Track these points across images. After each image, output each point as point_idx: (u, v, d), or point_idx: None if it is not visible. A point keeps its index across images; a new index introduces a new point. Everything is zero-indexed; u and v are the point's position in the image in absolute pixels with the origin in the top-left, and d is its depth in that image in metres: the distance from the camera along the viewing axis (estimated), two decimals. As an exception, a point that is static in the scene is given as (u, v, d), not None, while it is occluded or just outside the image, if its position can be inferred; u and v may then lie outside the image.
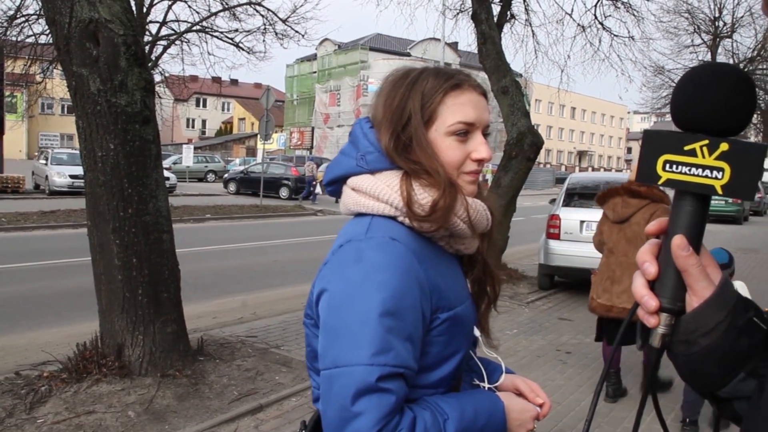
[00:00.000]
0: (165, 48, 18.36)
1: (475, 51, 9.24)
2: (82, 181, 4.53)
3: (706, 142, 0.68)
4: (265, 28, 17.72)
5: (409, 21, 42.63)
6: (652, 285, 0.73)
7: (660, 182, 0.71)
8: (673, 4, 25.11)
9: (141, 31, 14.06)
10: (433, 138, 1.13)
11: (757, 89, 0.75)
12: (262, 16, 17.51)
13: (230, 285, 8.13)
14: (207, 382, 4.25)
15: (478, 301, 1.24)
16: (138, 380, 4.04)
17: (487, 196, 1.24)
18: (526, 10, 11.63)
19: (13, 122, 29.99)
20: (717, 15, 26.09)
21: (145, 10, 16.27)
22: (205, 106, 60.00)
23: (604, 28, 12.47)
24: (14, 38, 15.27)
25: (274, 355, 4.97)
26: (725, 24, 26.20)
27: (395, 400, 0.98)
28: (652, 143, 0.71)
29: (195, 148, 36.19)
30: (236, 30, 18.00)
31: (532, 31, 12.31)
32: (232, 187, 25.87)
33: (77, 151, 10.86)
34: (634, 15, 12.58)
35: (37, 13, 14.08)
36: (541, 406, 1.23)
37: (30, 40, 15.40)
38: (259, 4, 17.36)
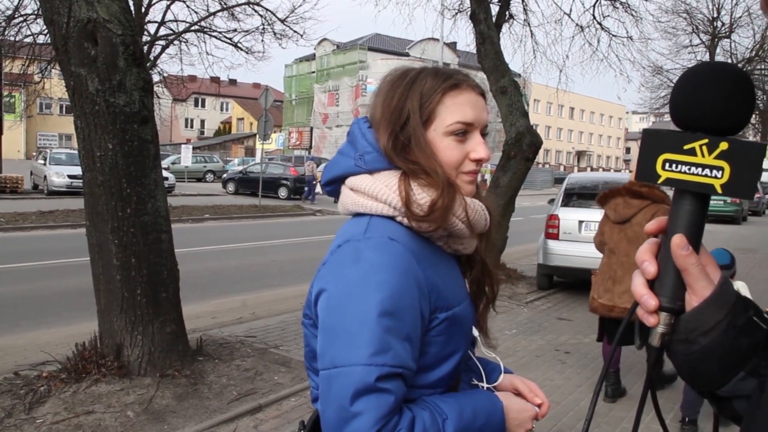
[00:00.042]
0: (163, 48, 18.38)
1: (474, 51, 9.24)
2: (81, 181, 4.52)
3: (706, 141, 0.68)
4: (263, 28, 17.75)
5: (407, 21, 42.84)
6: (652, 284, 0.73)
7: (659, 181, 0.71)
8: (672, 4, 25.19)
9: (139, 30, 14.04)
10: (431, 138, 1.12)
11: (755, 89, 0.75)
12: (261, 16, 17.54)
13: (229, 285, 8.13)
14: (206, 382, 4.25)
15: (476, 301, 1.24)
16: (137, 380, 4.04)
17: (486, 196, 1.24)
18: (524, 10, 11.65)
19: (12, 122, 29.98)
20: (715, 15, 26.14)
21: (143, 9, 16.27)
22: (203, 106, 59.95)
23: (602, 28, 12.49)
24: (12, 38, 15.29)
25: (273, 355, 4.97)
26: (723, 24, 26.25)
27: (394, 400, 0.98)
28: (652, 142, 0.71)
29: (193, 148, 36.17)
30: (235, 30, 18.05)
31: (531, 31, 12.34)
32: (230, 187, 25.87)
33: (76, 151, 10.85)
34: (632, 15, 12.60)
35: (35, 12, 14.07)
36: (539, 406, 1.22)
37: (28, 39, 15.42)
38: (258, 4, 17.38)
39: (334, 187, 1.21)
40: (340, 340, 1.01)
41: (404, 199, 1.08)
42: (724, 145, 0.67)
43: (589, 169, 64.99)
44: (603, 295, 4.20)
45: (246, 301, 7.22)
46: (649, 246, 0.74)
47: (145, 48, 16.27)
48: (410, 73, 1.16)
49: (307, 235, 13.43)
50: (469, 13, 9.02)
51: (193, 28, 17.85)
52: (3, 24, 14.46)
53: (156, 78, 18.86)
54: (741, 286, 3.85)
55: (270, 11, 17.52)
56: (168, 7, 17.61)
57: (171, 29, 18.28)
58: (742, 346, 0.68)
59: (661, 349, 0.73)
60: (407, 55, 42.27)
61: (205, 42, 18.88)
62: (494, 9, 9.41)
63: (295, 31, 17.92)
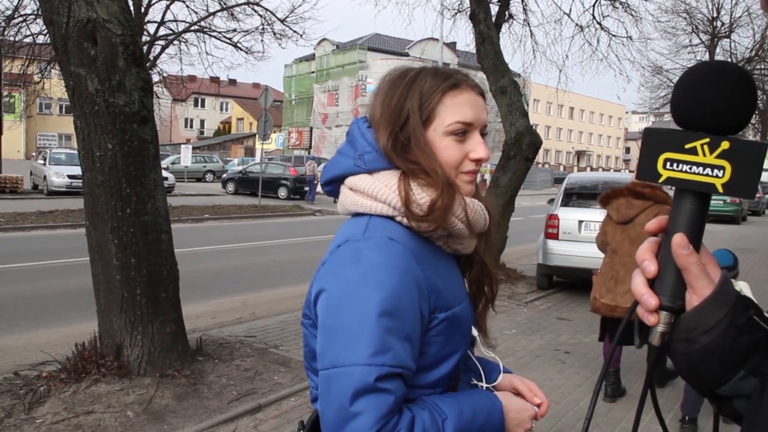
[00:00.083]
0: (163, 48, 18.38)
1: (474, 51, 9.23)
2: (81, 181, 4.52)
3: (707, 140, 0.68)
4: (263, 28, 17.76)
5: (407, 21, 42.87)
6: (652, 283, 0.72)
7: (660, 180, 0.70)
8: (671, 4, 25.16)
9: (139, 30, 14.05)
10: (431, 138, 1.12)
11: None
12: (261, 16, 17.55)
13: (229, 285, 8.12)
14: (206, 382, 4.25)
15: (475, 301, 1.24)
16: (137, 380, 4.03)
17: (485, 196, 1.24)
18: (524, 9, 11.64)
19: (11, 122, 30.00)
20: (715, 15, 26.11)
21: (143, 9, 16.27)
22: (203, 106, 59.95)
23: (602, 28, 12.49)
24: (12, 38, 15.29)
25: (272, 355, 4.97)
26: (723, 24, 26.22)
27: (394, 400, 0.98)
28: (653, 141, 0.71)
29: (193, 148, 36.18)
30: (234, 30, 18.05)
31: (531, 30, 12.35)
32: (230, 187, 25.87)
33: (75, 151, 10.86)
34: (632, 15, 12.60)
35: (35, 12, 14.07)
36: (539, 405, 1.22)
37: (28, 40, 15.42)
38: (258, 4, 17.38)
39: (333, 187, 1.21)
40: (339, 340, 1.01)
41: (404, 199, 1.08)
42: (725, 145, 0.67)
43: (588, 169, 65.00)
44: (605, 295, 4.21)
45: (246, 301, 7.22)
46: (650, 245, 0.74)
47: (145, 48, 16.27)
48: (410, 72, 1.16)
49: (306, 235, 13.43)
50: (468, 13, 9.01)
51: (192, 28, 17.85)
52: (3, 24, 14.46)
53: (156, 78, 18.86)
54: (744, 287, 3.85)
55: (270, 11, 17.53)
56: (167, 7, 17.63)
57: (170, 29, 18.28)
58: (742, 346, 0.68)
59: (661, 348, 0.72)
60: (407, 55, 42.28)
61: (204, 42, 18.91)
62: (494, 9, 9.42)
63: (294, 31, 17.94)
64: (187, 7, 17.34)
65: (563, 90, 13.24)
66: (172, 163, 30.50)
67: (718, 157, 0.67)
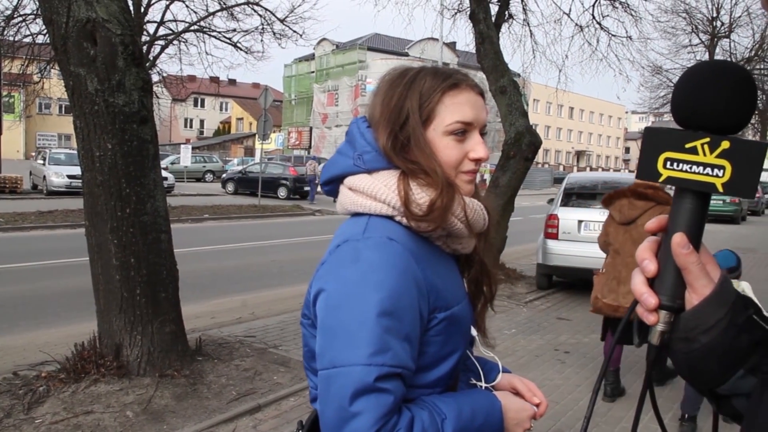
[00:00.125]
0: (163, 48, 18.37)
1: (473, 51, 9.23)
2: (80, 181, 4.52)
3: (708, 139, 0.68)
4: (263, 28, 17.75)
5: (407, 21, 42.90)
6: (652, 282, 0.72)
7: (661, 180, 0.70)
8: (671, 4, 25.17)
9: (138, 30, 14.04)
10: (430, 137, 1.12)
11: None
12: (260, 15, 17.54)
13: (228, 285, 8.12)
14: (205, 382, 4.25)
15: (474, 301, 1.24)
16: (136, 380, 4.03)
17: (485, 196, 1.24)
18: (524, 9, 11.64)
19: (11, 122, 29.98)
20: (715, 15, 26.12)
21: (142, 9, 16.27)
22: (203, 106, 59.96)
23: (602, 28, 12.49)
24: (11, 38, 15.28)
25: (272, 355, 4.97)
26: (723, 24, 26.23)
27: (393, 400, 0.98)
28: (653, 141, 0.71)
29: (193, 148, 36.18)
30: (234, 30, 18.04)
31: (530, 30, 12.36)
32: (230, 187, 25.87)
33: (75, 151, 10.85)
34: (631, 15, 12.60)
35: (35, 12, 14.07)
36: (538, 405, 1.22)
37: (27, 39, 15.41)
38: (257, 4, 17.38)
39: (332, 186, 1.21)
40: (339, 340, 1.01)
41: (403, 199, 1.08)
42: (725, 144, 0.67)
43: (588, 168, 65.04)
44: (607, 295, 4.21)
45: (245, 301, 7.22)
46: (649, 244, 0.74)
47: (145, 48, 16.27)
48: (409, 72, 1.16)
49: (306, 235, 13.43)
50: (468, 13, 9.01)
51: (192, 28, 17.84)
52: (2, 24, 14.45)
53: (155, 78, 18.86)
54: (746, 287, 3.85)
55: (269, 11, 17.53)
56: (167, 7, 17.62)
57: (170, 29, 18.27)
58: (742, 345, 0.68)
59: (661, 348, 0.72)
60: (406, 54, 42.29)
61: (204, 42, 18.92)
62: (494, 9, 9.42)
63: (294, 31, 17.94)
64: (187, 7, 17.35)
65: (563, 90, 13.23)
66: (172, 163, 30.50)
67: (718, 156, 0.67)
